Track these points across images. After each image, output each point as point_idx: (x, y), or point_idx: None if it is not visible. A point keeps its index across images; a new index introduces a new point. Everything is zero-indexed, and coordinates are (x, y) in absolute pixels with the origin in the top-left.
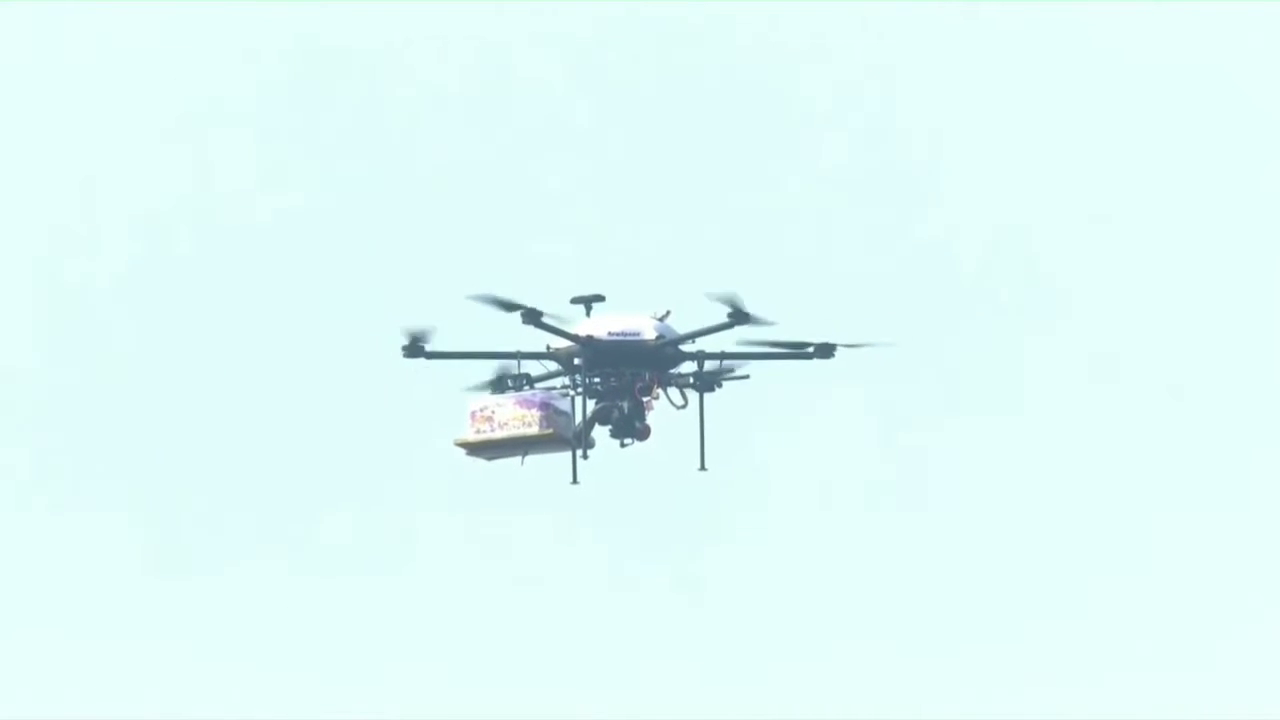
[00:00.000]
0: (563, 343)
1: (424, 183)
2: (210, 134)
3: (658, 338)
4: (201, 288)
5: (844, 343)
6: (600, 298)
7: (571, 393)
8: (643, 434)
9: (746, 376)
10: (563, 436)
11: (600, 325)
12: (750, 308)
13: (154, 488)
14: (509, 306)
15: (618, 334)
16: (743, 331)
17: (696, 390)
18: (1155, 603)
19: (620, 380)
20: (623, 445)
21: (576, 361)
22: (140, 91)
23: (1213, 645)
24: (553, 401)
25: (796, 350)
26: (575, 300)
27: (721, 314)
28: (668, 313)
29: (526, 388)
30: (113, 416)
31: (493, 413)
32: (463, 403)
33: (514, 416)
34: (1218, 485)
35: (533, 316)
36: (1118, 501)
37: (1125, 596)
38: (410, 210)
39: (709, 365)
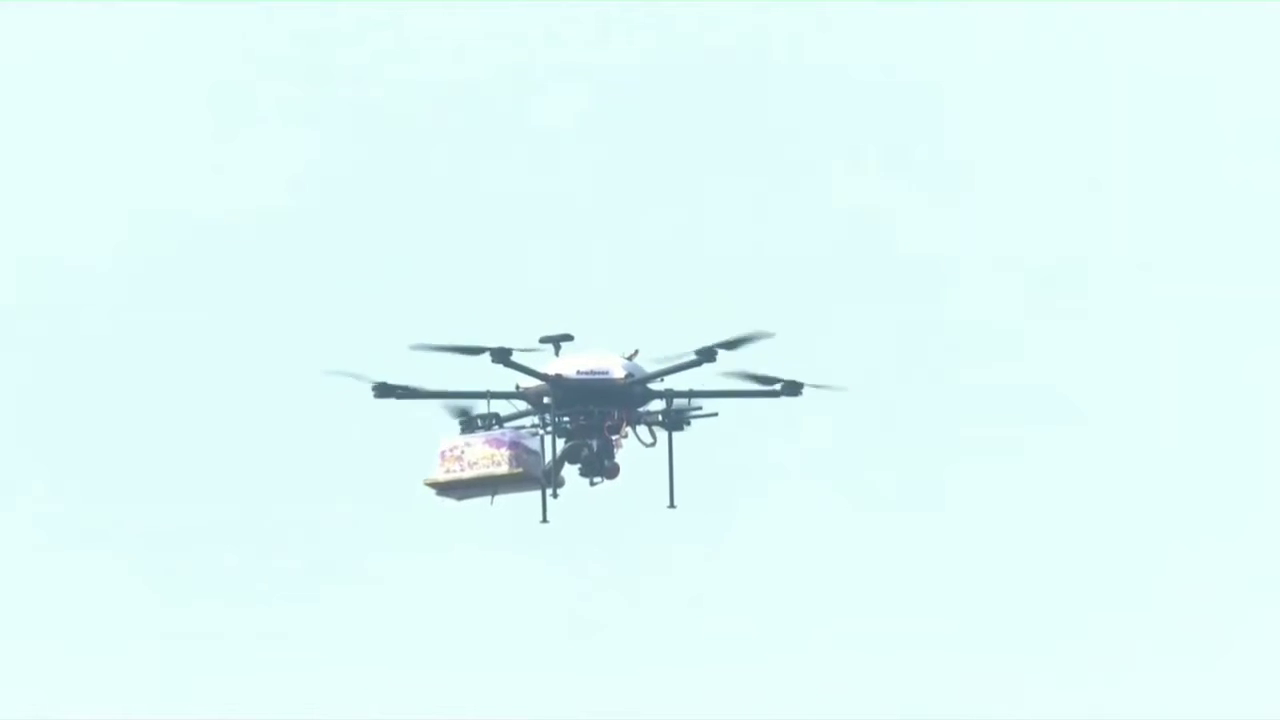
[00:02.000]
0: (532, 382)
1: (397, 219)
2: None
3: (626, 376)
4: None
5: (721, 342)
6: (569, 337)
7: (541, 432)
8: (612, 472)
9: (715, 414)
10: (532, 475)
11: (569, 364)
12: (716, 340)
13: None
14: (471, 351)
15: (587, 373)
16: (715, 365)
17: (665, 428)
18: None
19: (589, 419)
20: (592, 484)
21: (546, 400)
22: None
23: (1212, 648)
24: (522, 440)
25: (763, 388)
26: (544, 339)
27: (689, 352)
28: (636, 351)
29: (496, 427)
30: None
31: (462, 452)
32: (432, 442)
33: (483, 456)
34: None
35: (502, 355)
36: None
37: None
38: (384, 244)
39: (678, 402)
